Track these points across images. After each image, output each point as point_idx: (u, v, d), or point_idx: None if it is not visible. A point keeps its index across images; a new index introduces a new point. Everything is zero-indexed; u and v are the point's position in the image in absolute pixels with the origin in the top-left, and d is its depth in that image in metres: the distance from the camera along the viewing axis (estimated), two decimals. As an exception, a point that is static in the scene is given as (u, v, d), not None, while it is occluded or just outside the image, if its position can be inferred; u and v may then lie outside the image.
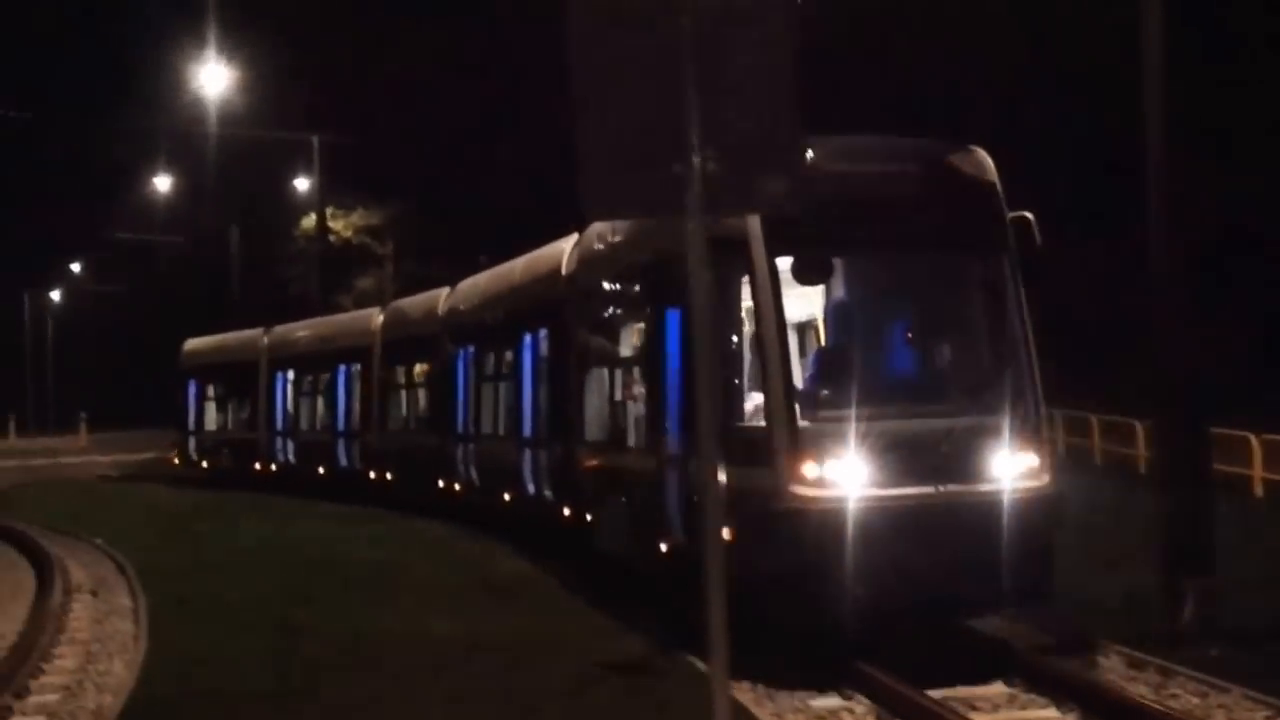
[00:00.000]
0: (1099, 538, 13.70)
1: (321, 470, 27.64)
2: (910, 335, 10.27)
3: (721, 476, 9.54)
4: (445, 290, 21.80)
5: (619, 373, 12.89)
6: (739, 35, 4.77)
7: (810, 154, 9.74)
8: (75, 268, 68.40)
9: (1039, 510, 9.33)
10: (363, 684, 9.49)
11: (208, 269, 49.41)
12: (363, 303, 36.81)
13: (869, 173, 9.81)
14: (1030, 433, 9.44)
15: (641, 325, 11.92)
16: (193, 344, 38.04)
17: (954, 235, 9.85)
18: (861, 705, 8.57)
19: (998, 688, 8.86)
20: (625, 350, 12.71)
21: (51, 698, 9.49)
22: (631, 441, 12.25)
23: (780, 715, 8.43)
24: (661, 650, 9.97)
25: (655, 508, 11.07)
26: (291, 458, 30.09)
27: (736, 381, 9.85)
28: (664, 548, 11.01)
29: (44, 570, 15.61)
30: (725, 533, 9.46)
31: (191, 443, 36.24)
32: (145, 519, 23.49)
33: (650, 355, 11.44)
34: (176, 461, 37.20)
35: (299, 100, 40.16)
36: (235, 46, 37.53)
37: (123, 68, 63.77)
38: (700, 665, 9.36)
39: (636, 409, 12.25)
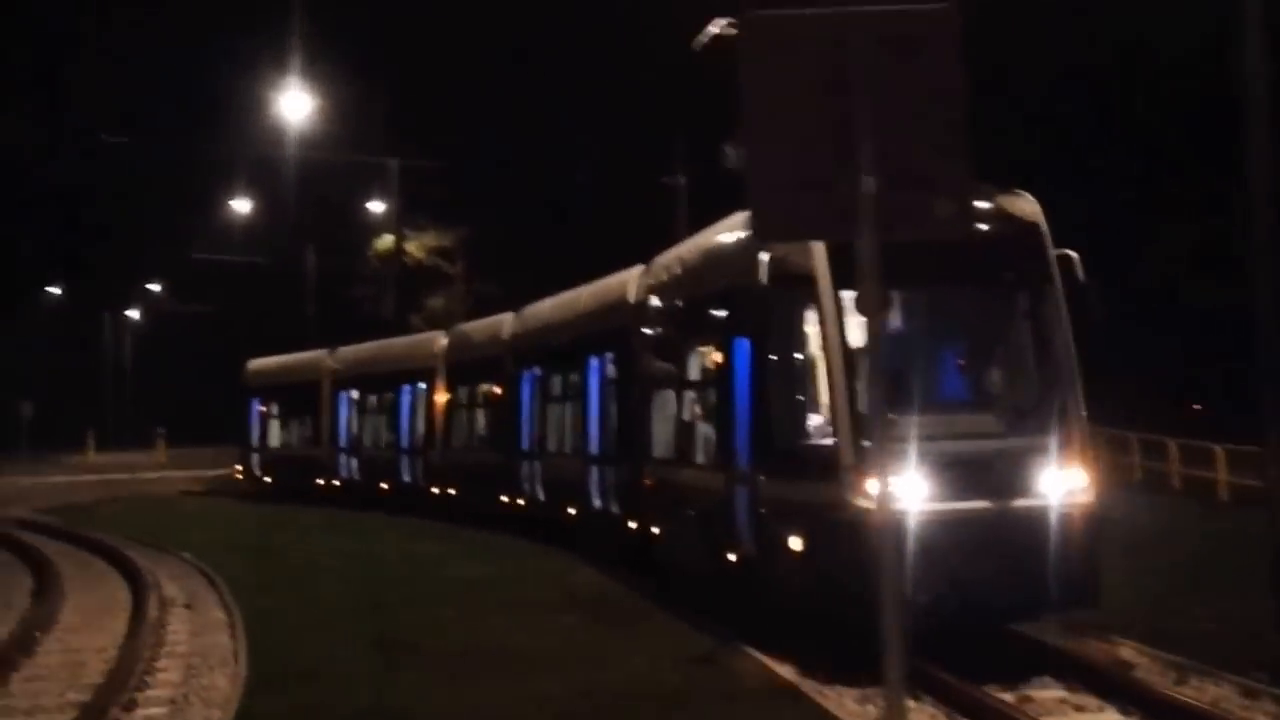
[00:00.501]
0: (1194, 563, 14.32)
1: (384, 485, 28.65)
2: (962, 362, 11.10)
3: (795, 491, 10.43)
4: (509, 315, 22.78)
5: (687, 394, 13.76)
6: (910, 60, 4.81)
7: None
8: (154, 288, 69.44)
9: (1083, 523, 10.12)
10: (472, 702, 9.52)
11: (284, 289, 50.25)
12: (433, 322, 37.71)
13: None
14: (1074, 452, 10.24)
15: (711, 351, 12.79)
16: (256, 364, 39.27)
17: (1002, 270, 10.69)
18: (936, 708, 9.16)
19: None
20: (693, 374, 13.59)
21: (158, 711, 9.54)
22: (700, 459, 13.11)
23: (851, 712, 9.08)
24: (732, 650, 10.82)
25: (724, 521, 11.91)
26: (354, 473, 31.13)
27: (804, 403, 10.71)
28: (732, 558, 11.87)
29: (138, 584, 15.86)
30: (793, 539, 10.45)
31: (255, 459, 37.44)
32: (226, 533, 24.11)
33: (720, 379, 12.31)
34: (240, 477, 38.46)
35: (375, 123, 41.12)
36: (316, 73, 38.28)
37: (208, 94, 65.63)
38: (761, 657, 10.28)
39: (705, 428, 13.12)
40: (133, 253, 66.82)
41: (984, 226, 10.64)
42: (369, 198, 45.73)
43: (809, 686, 9.64)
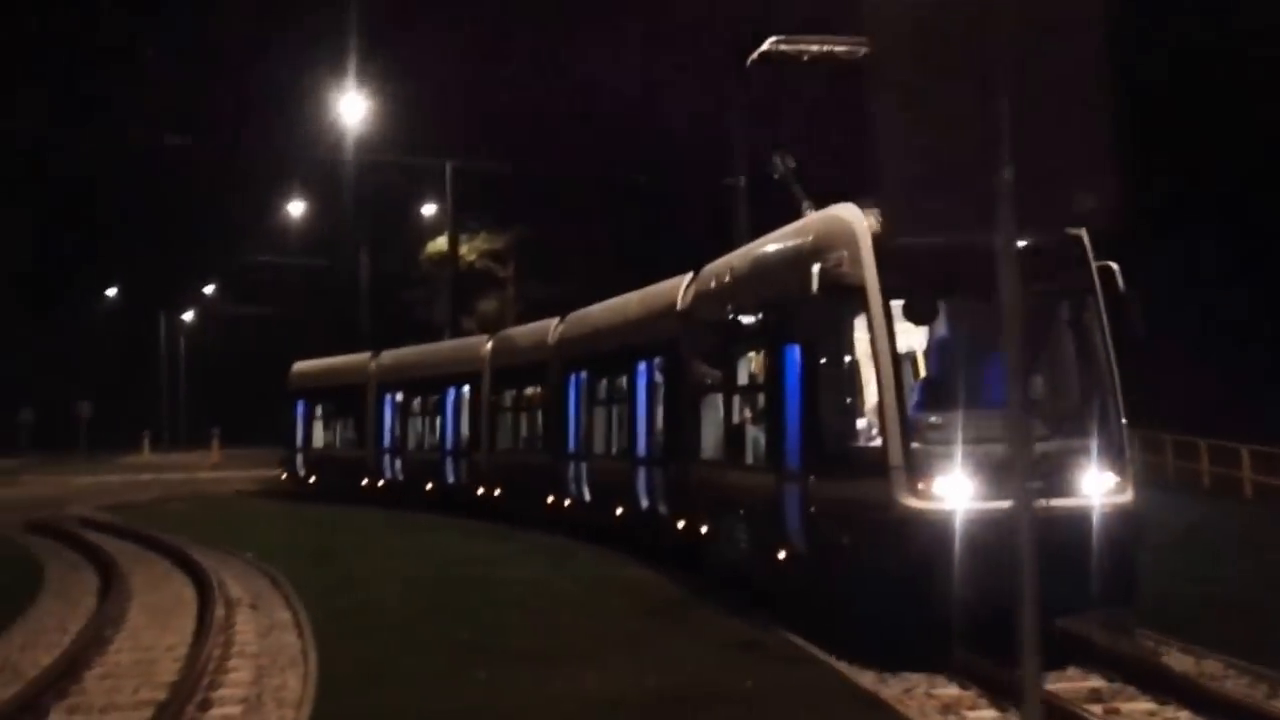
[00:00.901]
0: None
1: (429, 487, 29.21)
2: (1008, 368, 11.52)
3: (846, 490, 10.86)
4: (555, 321, 23.30)
5: (736, 398, 14.25)
6: (1050, 48, 4.57)
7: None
8: (209, 290, 70.22)
9: (1122, 522, 10.54)
10: (548, 704, 9.55)
11: (337, 292, 50.29)
12: (484, 326, 37.74)
13: None
14: (1114, 454, 10.66)
15: (761, 357, 13.27)
16: (300, 366, 39.96)
17: (1046, 281, 11.09)
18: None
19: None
20: (743, 379, 14.07)
21: (233, 710, 9.58)
22: (750, 460, 13.59)
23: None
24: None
25: (774, 520, 12.39)
26: (399, 474, 31.68)
27: (854, 406, 11.18)
28: (782, 556, 12.34)
29: (202, 583, 15.93)
30: (844, 537, 10.90)
31: (299, 459, 38.10)
32: (283, 533, 24.29)
33: (770, 383, 12.79)
34: (284, 477, 39.17)
35: (429, 125, 41.18)
36: (370, 75, 38.53)
37: (265, 96, 66.37)
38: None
39: (754, 431, 13.60)
40: (188, 254, 67.91)
41: (1028, 239, 11.10)
42: (422, 201, 45.92)
43: (869, 680, 10.09)
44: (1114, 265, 11.02)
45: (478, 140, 40.27)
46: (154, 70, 63.56)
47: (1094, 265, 11.07)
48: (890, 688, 9.87)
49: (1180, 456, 28.40)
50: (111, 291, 76.16)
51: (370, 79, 37.36)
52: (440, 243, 43.42)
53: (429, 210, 45.71)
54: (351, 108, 36.01)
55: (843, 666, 10.48)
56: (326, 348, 37.96)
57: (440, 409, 29.31)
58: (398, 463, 31.95)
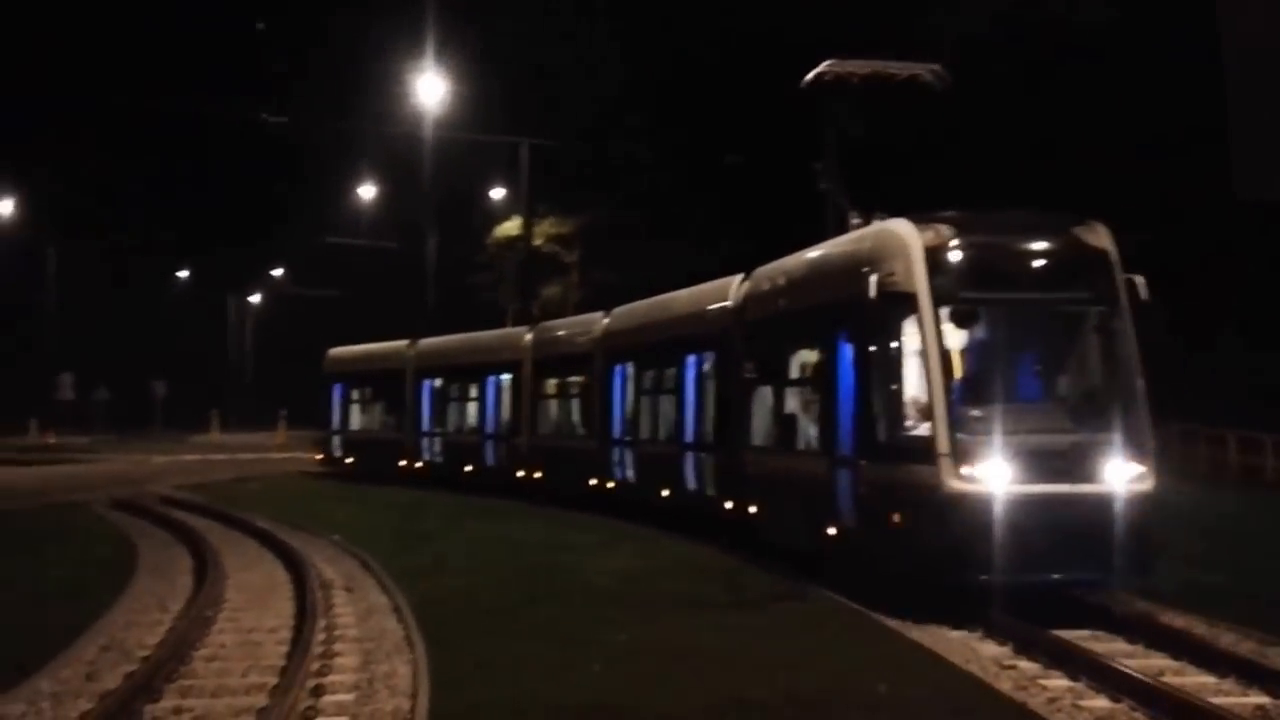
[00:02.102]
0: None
1: (469, 468, 30.62)
2: (1040, 368, 12.93)
3: (896, 474, 12.25)
4: (600, 314, 24.71)
5: (787, 390, 15.65)
6: None
7: (966, 219, 12.59)
8: (277, 272, 70.89)
9: (1141, 507, 11.93)
10: (675, 699, 9.39)
11: (404, 275, 49.87)
12: (548, 311, 37.75)
13: (1011, 240, 12.57)
14: (1136, 446, 12.05)
15: (815, 353, 14.67)
16: (336, 352, 41.31)
17: (1075, 291, 12.52)
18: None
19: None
20: (795, 373, 15.46)
21: (346, 698, 9.42)
22: (802, 446, 14.99)
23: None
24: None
25: (825, 500, 13.80)
26: (437, 456, 33.09)
27: (903, 399, 12.57)
28: (832, 532, 13.75)
29: (295, 565, 15.87)
30: (895, 515, 12.33)
31: (336, 441, 39.47)
32: (358, 513, 24.19)
33: (824, 377, 14.18)
34: (320, 457, 40.57)
35: (502, 106, 40.75)
36: (445, 57, 38.01)
37: (336, 76, 66.72)
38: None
39: (806, 420, 15.01)
40: (257, 237, 68.69)
41: (1060, 253, 12.54)
42: (490, 185, 45.70)
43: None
44: (1138, 277, 12.40)
45: (549, 124, 39.63)
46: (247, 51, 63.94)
47: (1120, 277, 12.45)
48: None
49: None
50: (183, 274, 77.26)
51: (445, 60, 37.08)
52: (508, 226, 43.69)
53: (497, 194, 45.39)
54: (429, 88, 35.46)
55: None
56: (391, 330, 37.24)
57: (481, 395, 30.60)
58: (436, 445, 33.28)
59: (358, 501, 27.74)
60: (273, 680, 9.88)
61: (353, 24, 58.16)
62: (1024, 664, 10.45)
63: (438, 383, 33.50)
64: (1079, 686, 9.71)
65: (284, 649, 11.11)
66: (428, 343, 35.07)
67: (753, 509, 16.57)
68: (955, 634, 11.49)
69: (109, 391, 64.29)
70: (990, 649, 11.06)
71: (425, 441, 33.88)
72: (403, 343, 36.21)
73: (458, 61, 38.13)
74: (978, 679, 9.97)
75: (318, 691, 9.52)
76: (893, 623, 11.93)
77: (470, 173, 45.09)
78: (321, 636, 11.37)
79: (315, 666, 10.22)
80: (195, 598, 13.76)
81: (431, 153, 41.05)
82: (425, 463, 33.55)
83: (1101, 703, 9.32)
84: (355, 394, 38.92)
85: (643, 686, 9.74)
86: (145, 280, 75.66)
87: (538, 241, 41.82)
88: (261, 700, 9.32)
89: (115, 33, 70.73)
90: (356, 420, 38.98)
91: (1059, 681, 9.86)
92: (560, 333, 27.18)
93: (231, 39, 71.27)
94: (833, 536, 13.73)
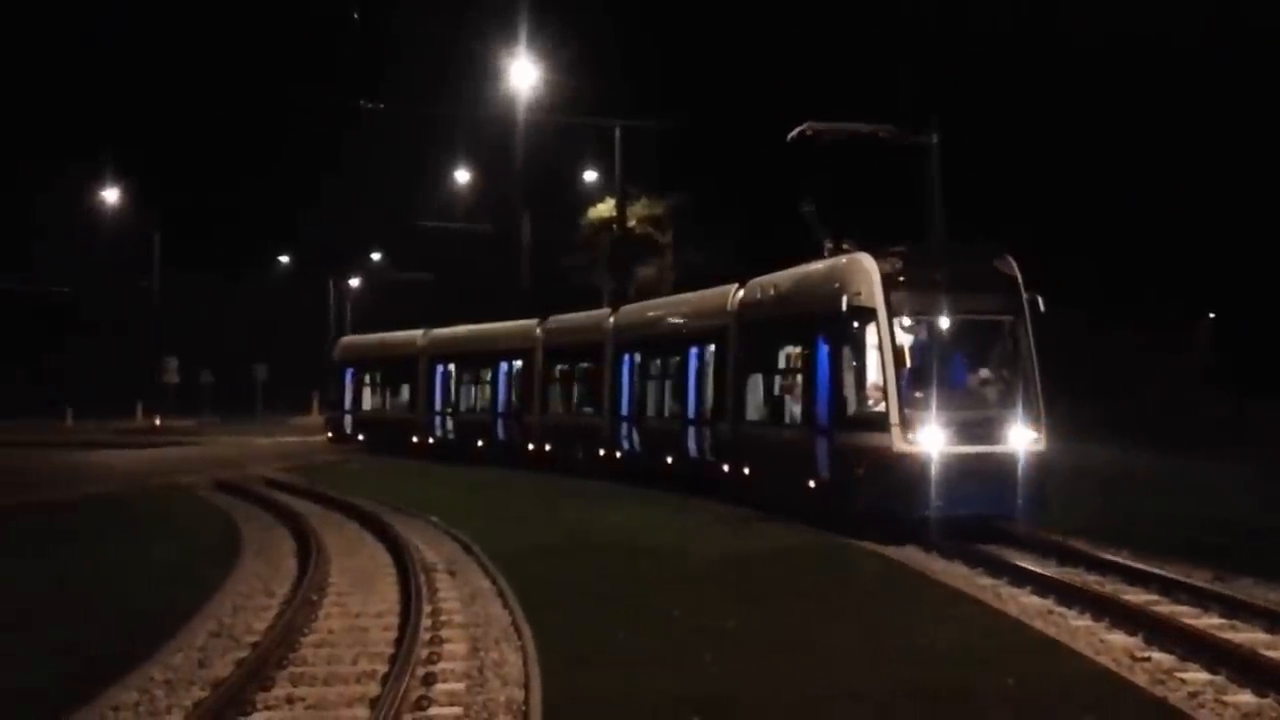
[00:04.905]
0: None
1: (480, 443, 35.00)
2: (965, 362, 17.78)
3: (860, 439, 17.12)
4: (606, 310, 29.45)
5: (776, 377, 20.48)
6: None
7: (913, 252, 17.43)
8: (375, 256, 71.75)
9: (1037, 461, 16.84)
10: (789, 688, 9.44)
11: (499, 258, 50.17)
12: (643, 293, 38.48)
13: (945, 269, 17.43)
14: (1032, 419, 16.95)
15: (799, 349, 19.48)
16: (347, 340, 45.70)
17: (991, 307, 17.40)
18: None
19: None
20: (782, 364, 20.29)
21: (457, 686, 9.41)
22: (788, 420, 19.82)
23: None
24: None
25: (807, 460, 18.61)
26: (450, 433, 37.31)
27: (865, 384, 17.39)
28: (812, 485, 18.58)
29: (396, 548, 16.01)
30: (858, 469, 17.29)
31: (347, 420, 43.66)
32: (455, 495, 24.71)
33: (806, 367, 19.00)
34: (330, 435, 44.88)
35: (596, 88, 42.17)
36: (538, 40, 38.21)
37: (431, 60, 67.02)
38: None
39: (791, 400, 19.83)
40: (354, 220, 70.30)
41: (980, 277, 17.44)
42: (583, 168, 46.51)
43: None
44: (1039, 296, 17.31)
45: (641, 106, 41.68)
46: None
47: (1024, 296, 17.35)
48: (1055, 627, 11.76)
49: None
50: (284, 259, 78.72)
51: (538, 43, 37.56)
52: (601, 209, 44.67)
53: (590, 176, 46.23)
54: (521, 72, 36.54)
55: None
56: (487, 314, 38.23)
57: (493, 378, 34.80)
58: (449, 423, 37.39)
59: (447, 481, 28.62)
60: (382, 668, 9.94)
61: (449, 8, 58.79)
62: (1158, 655, 10.53)
63: (450, 367, 37.45)
64: (1219, 680, 9.73)
65: (391, 635, 11.21)
66: (440, 331, 39.08)
67: (746, 470, 21.41)
68: (1079, 622, 11.82)
69: (213, 375, 66.62)
70: (1120, 638, 11.21)
71: (438, 419, 37.90)
72: (417, 332, 40.33)
73: (551, 44, 38.62)
74: (1110, 672, 9.97)
75: (429, 680, 9.51)
76: (1013, 612, 12.33)
77: (563, 155, 46.06)
78: (428, 623, 11.42)
79: (424, 654, 10.25)
80: (300, 581, 13.84)
81: (524, 136, 42.06)
82: (436, 439, 37.87)
83: (1246, 697, 9.27)
84: (366, 377, 42.90)
85: (758, 676, 9.73)
86: (248, 266, 77.56)
87: (631, 223, 42.18)
88: (373, 689, 9.34)
89: (216, 24, 73.31)
90: (367, 401, 43.01)
91: (1198, 675, 9.84)
92: (569, 325, 31.74)
93: (328, 28, 74.13)
94: (812, 488, 18.58)
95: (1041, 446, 16.98)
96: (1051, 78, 41.98)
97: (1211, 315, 48.03)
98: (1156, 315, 41.48)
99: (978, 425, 16.86)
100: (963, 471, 16.51)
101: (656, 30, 45.93)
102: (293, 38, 78.55)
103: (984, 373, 17.60)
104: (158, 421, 60.62)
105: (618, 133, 37.99)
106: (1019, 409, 16.98)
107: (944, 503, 16.43)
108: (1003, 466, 16.65)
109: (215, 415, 67.17)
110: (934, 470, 16.43)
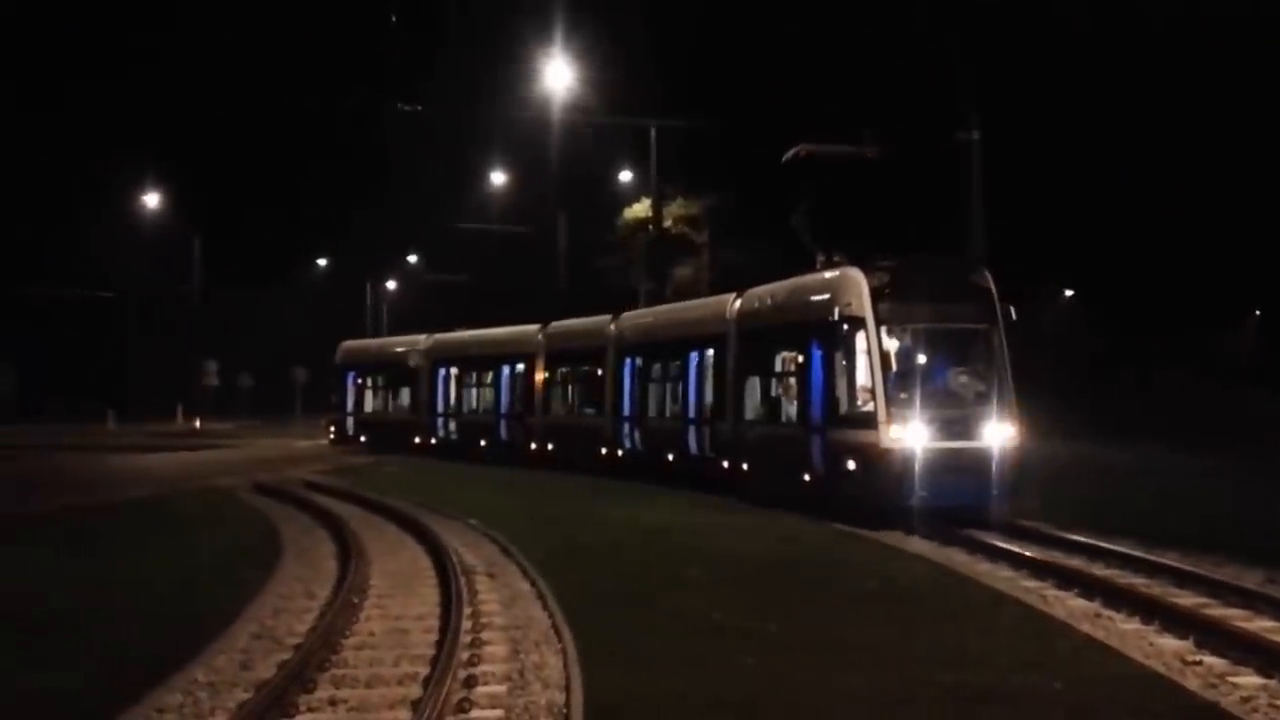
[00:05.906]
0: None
1: (483, 443, 36.55)
2: (945, 366, 19.63)
3: (851, 436, 19.09)
4: (608, 317, 31.14)
5: (772, 380, 22.33)
6: None
7: (899, 267, 19.32)
8: (411, 259, 71.87)
9: (1011, 456, 18.74)
10: (831, 691, 9.38)
11: (535, 259, 50.29)
12: (680, 293, 38.92)
13: (927, 282, 19.32)
14: (1007, 417, 18.87)
15: (794, 354, 21.28)
16: (349, 344, 47.22)
17: (968, 316, 19.31)
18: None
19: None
20: (779, 367, 22.14)
21: (498, 689, 9.43)
22: (784, 419, 21.67)
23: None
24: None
25: (803, 456, 20.44)
26: (452, 434, 38.89)
27: (856, 386, 19.24)
28: (806, 478, 20.46)
29: (436, 550, 16.02)
30: (850, 464, 19.26)
31: (349, 421, 45.07)
32: (494, 497, 24.88)
33: (801, 371, 20.83)
34: (332, 435, 46.41)
35: (631, 88, 42.12)
36: (573, 40, 38.28)
37: (465, 63, 65.95)
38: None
39: (787, 401, 21.70)
40: (392, 223, 70.37)
41: (960, 288, 19.38)
42: (618, 169, 46.63)
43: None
44: (1011, 307, 19.24)
45: (676, 105, 41.61)
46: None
47: (999, 306, 19.28)
48: (1104, 631, 11.74)
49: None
50: (322, 261, 79.11)
51: (573, 44, 37.62)
52: (637, 209, 44.78)
53: (625, 177, 46.47)
54: (557, 73, 36.64)
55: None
56: (524, 316, 38.10)
57: (495, 381, 36.43)
58: (451, 424, 39.00)
59: (487, 482, 29.30)
60: (423, 670, 9.99)
61: (484, 11, 59.02)
62: (1210, 659, 10.42)
63: (453, 371, 39.08)
64: (1273, 684, 9.63)
65: (432, 637, 11.26)
66: (442, 336, 40.69)
67: (745, 466, 23.29)
68: (1128, 626, 11.80)
69: (252, 378, 67.50)
70: (1170, 642, 11.11)
71: (439, 421, 39.51)
72: (420, 336, 42.02)
73: (585, 44, 38.58)
74: (1161, 675, 9.93)
75: (470, 683, 9.55)
76: (1060, 615, 12.31)
77: (598, 156, 46.17)
78: (469, 625, 11.46)
79: (465, 656, 10.29)
80: (341, 584, 13.87)
81: (560, 137, 42.37)
82: (438, 439, 39.43)
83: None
84: (368, 381, 44.48)
85: (800, 680, 9.69)
86: (286, 269, 78.04)
87: (667, 223, 42.44)
88: (415, 691, 9.36)
89: (251, 28, 74.12)
90: (369, 403, 44.60)
91: (1251, 679, 9.75)
92: (571, 331, 33.32)
93: (365, 31, 74.93)
94: (807, 481, 20.46)
95: (1015, 443, 18.90)
96: (1093, 71, 42.90)
97: (1258, 312, 49.22)
98: (1199, 315, 42.86)
99: (957, 423, 18.75)
100: (944, 465, 18.39)
101: (691, 29, 46.35)
102: (333, 43, 79.60)
103: (963, 376, 19.52)
104: (197, 424, 61.33)
105: (653, 133, 38.25)
106: (994, 408, 18.90)
107: (927, 493, 18.29)
108: (981, 460, 18.54)
109: (254, 418, 67.85)
110: (918, 464, 18.31)
